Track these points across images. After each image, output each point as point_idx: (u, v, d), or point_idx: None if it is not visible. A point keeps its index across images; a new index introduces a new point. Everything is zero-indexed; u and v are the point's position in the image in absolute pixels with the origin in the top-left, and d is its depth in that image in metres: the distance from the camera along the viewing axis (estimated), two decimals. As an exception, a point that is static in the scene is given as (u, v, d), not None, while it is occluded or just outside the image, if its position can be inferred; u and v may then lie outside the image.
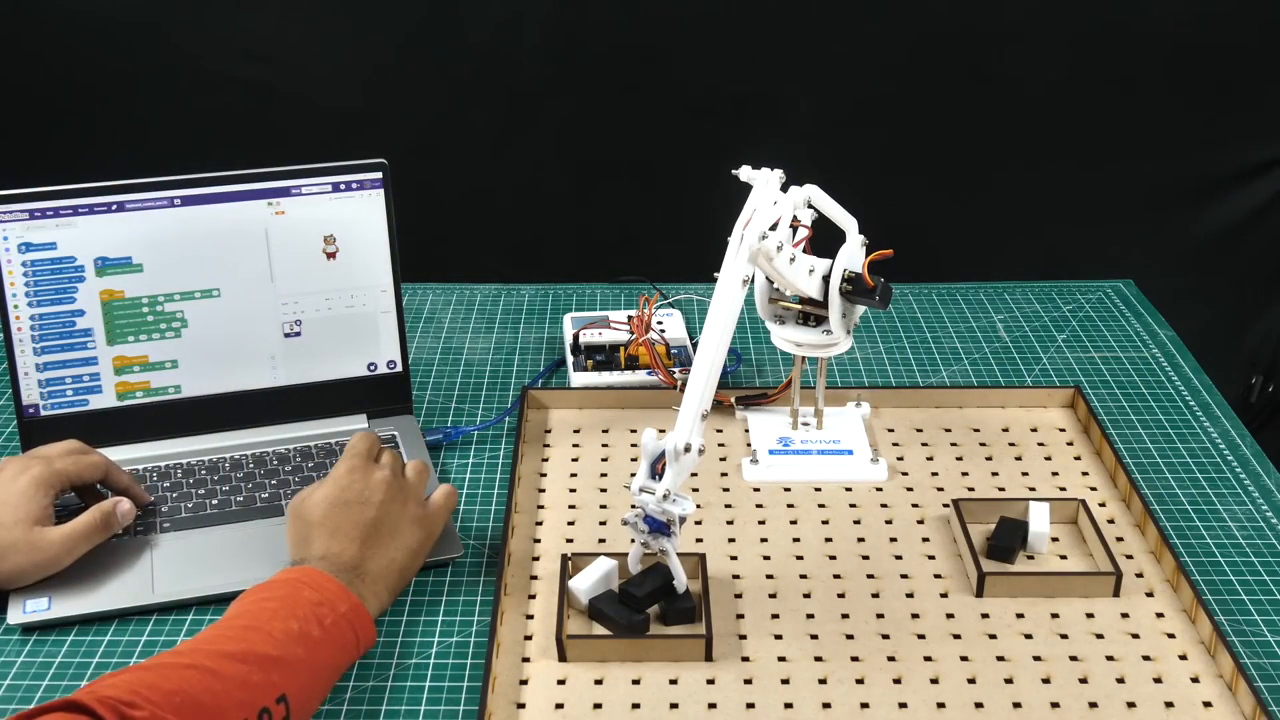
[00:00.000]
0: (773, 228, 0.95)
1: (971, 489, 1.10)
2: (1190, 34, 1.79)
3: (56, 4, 1.77)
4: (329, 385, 1.17)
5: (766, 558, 1.01)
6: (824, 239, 1.05)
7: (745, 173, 1.00)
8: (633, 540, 0.93)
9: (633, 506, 0.91)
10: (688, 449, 0.89)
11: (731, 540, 1.03)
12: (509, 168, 1.90)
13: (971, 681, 0.89)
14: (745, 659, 0.91)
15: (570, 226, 1.95)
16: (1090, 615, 0.95)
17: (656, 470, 0.90)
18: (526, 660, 0.91)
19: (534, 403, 1.21)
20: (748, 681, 0.89)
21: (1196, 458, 1.16)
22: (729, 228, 0.95)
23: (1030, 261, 1.89)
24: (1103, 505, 1.08)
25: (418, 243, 1.30)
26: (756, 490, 1.10)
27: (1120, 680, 0.89)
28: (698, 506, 1.07)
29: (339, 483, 0.96)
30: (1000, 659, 0.91)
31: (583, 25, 1.79)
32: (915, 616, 0.95)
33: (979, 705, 0.87)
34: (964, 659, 0.91)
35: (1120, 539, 1.04)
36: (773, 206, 0.96)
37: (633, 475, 1.12)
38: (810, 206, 1.03)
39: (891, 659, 0.91)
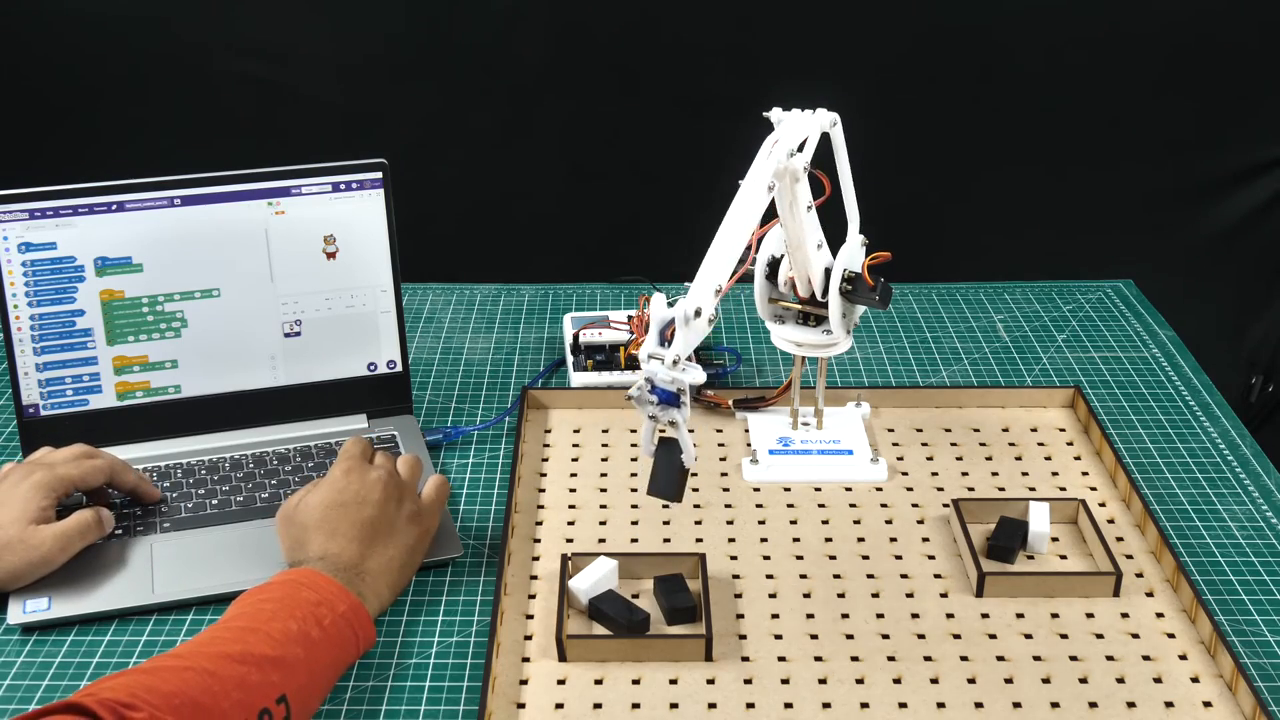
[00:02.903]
0: (800, 149, 0.94)
1: (971, 489, 1.10)
2: (1190, 34, 1.79)
3: (57, 3, 1.76)
4: (329, 385, 1.17)
5: (766, 558, 1.01)
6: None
7: (776, 114, 0.99)
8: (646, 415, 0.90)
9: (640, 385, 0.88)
10: (698, 313, 0.86)
11: (731, 540, 1.03)
12: (509, 167, 1.90)
13: (971, 681, 0.89)
14: (745, 659, 0.91)
15: (570, 226, 1.95)
16: (1090, 615, 0.95)
17: (666, 337, 0.86)
18: (526, 660, 0.91)
19: (534, 403, 1.21)
20: (748, 681, 0.89)
21: (1196, 458, 1.16)
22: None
23: (1030, 261, 1.89)
24: (1103, 505, 1.08)
25: (418, 243, 1.30)
26: (756, 490, 1.10)
27: (1120, 680, 0.89)
28: (696, 506, 1.07)
29: (335, 484, 0.96)
30: (1000, 659, 0.91)
31: (583, 25, 1.79)
32: (915, 616, 0.95)
33: (979, 705, 0.87)
34: (964, 659, 0.91)
35: (1120, 539, 1.04)
36: (801, 126, 0.95)
37: (633, 468, 1.12)
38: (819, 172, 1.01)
39: (891, 659, 0.91)
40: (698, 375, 0.87)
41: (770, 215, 1.03)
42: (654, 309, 0.87)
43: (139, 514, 1.05)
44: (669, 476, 0.92)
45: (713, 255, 0.90)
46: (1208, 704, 0.87)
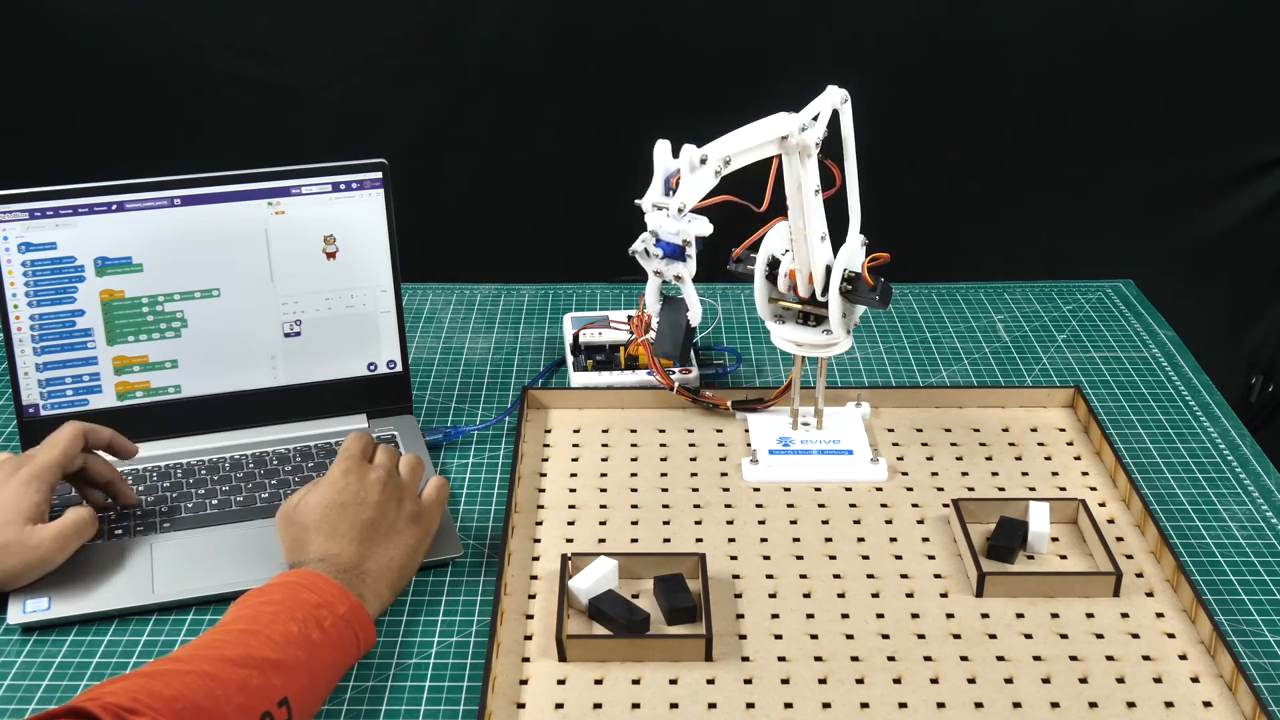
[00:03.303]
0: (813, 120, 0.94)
1: (971, 489, 1.10)
2: (1190, 35, 1.79)
3: (58, 3, 1.76)
4: (329, 385, 1.17)
5: (766, 558, 1.01)
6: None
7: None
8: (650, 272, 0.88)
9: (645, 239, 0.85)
10: (704, 161, 0.83)
11: (731, 540, 1.03)
12: (509, 168, 1.90)
13: (971, 681, 0.89)
14: (745, 659, 0.91)
15: (570, 226, 1.95)
16: (1090, 615, 0.95)
17: (671, 186, 0.83)
18: (526, 660, 0.91)
19: (534, 403, 1.21)
20: (748, 681, 0.89)
21: (1196, 458, 1.16)
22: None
23: (1030, 261, 1.89)
24: (1103, 505, 1.08)
25: (418, 243, 1.30)
26: (756, 490, 1.10)
27: (1120, 680, 0.89)
28: (696, 507, 1.07)
29: (335, 485, 0.96)
30: (1000, 659, 0.91)
31: (583, 25, 1.79)
32: (915, 616, 0.95)
33: (979, 705, 0.87)
34: (964, 659, 0.91)
35: (1120, 539, 1.04)
36: (813, 104, 0.95)
37: (633, 468, 1.12)
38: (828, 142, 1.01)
39: (891, 659, 0.91)
40: (704, 226, 0.84)
41: (773, 214, 1.03)
42: (658, 158, 0.84)
43: (139, 514, 1.05)
44: (673, 336, 0.90)
45: (729, 135, 0.88)
46: (1208, 704, 0.87)
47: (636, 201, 0.89)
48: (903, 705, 0.87)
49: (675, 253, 0.85)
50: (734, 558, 1.01)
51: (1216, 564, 1.02)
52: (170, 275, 1.11)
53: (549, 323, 1.40)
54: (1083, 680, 0.89)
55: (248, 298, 1.13)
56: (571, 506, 1.07)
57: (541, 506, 1.07)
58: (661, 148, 0.85)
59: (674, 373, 1.23)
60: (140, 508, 1.06)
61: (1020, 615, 0.95)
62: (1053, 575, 0.98)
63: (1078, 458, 1.14)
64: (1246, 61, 1.81)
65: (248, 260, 1.13)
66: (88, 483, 1.03)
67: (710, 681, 0.89)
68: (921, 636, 0.93)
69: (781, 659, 0.91)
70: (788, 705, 0.87)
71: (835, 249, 1.03)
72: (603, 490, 1.10)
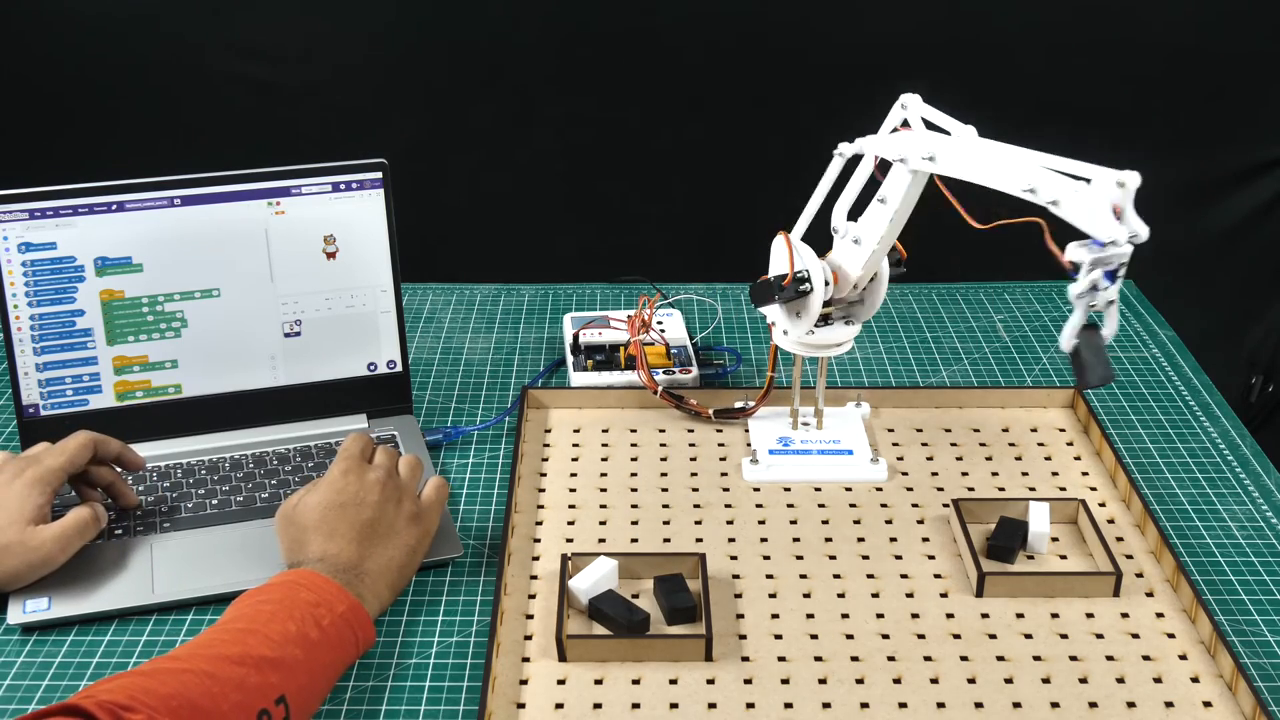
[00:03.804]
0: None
1: (971, 489, 1.10)
2: (1191, 35, 1.79)
3: (58, 3, 1.76)
4: (329, 385, 1.17)
5: (766, 558, 1.01)
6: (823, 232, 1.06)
7: (856, 146, 1.03)
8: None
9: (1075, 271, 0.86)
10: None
11: (731, 540, 1.03)
12: (509, 168, 1.90)
13: (971, 681, 0.89)
14: (745, 659, 0.91)
15: (570, 226, 1.95)
16: (1090, 615, 0.95)
17: (1116, 213, 0.85)
18: (526, 660, 0.91)
19: (534, 403, 1.21)
20: (748, 681, 0.89)
21: (1196, 458, 1.16)
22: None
23: (1030, 261, 1.89)
24: (1103, 505, 1.08)
25: (418, 243, 1.29)
26: (756, 490, 1.10)
27: (1120, 680, 0.89)
28: (696, 506, 1.07)
29: (334, 485, 0.96)
30: (1000, 659, 0.91)
31: (583, 25, 1.79)
32: (915, 616, 0.95)
33: (979, 705, 0.87)
34: (964, 659, 0.91)
35: (1120, 539, 1.04)
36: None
37: (633, 468, 1.12)
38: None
39: (891, 659, 0.91)
40: (1142, 229, 0.84)
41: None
42: (1099, 190, 0.87)
43: (139, 514, 1.05)
44: (1102, 359, 0.89)
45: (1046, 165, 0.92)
46: (1208, 704, 0.87)
47: (1125, 244, 0.87)
48: (903, 705, 0.87)
49: (1112, 275, 0.87)
50: (734, 558, 1.01)
51: (1216, 564, 1.02)
52: (170, 275, 1.11)
53: (549, 323, 1.40)
54: (1083, 680, 0.89)
55: (248, 298, 1.13)
56: (571, 506, 1.07)
57: (541, 506, 1.07)
58: (1101, 178, 0.87)
59: (674, 373, 1.23)
60: (140, 508, 1.06)
61: (1020, 615, 0.95)
62: (1053, 575, 0.98)
63: (1078, 458, 1.14)
64: (1246, 62, 1.81)
65: (248, 260, 1.13)
66: (88, 484, 1.04)
67: (710, 681, 0.89)
68: (921, 636, 0.93)
69: (781, 659, 0.91)
70: (788, 705, 0.87)
71: (824, 249, 1.03)
72: (603, 490, 1.10)
